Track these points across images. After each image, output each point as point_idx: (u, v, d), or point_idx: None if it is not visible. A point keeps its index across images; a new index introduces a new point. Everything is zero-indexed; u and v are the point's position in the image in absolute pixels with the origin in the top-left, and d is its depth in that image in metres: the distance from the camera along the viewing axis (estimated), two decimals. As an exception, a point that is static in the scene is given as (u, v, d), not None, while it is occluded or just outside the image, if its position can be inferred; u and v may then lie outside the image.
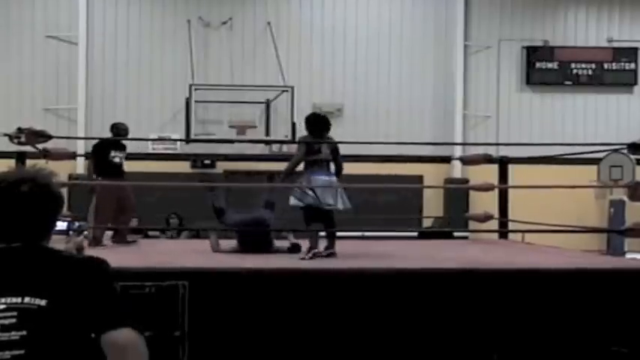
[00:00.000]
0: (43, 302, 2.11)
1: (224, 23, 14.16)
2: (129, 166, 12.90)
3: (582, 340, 5.37)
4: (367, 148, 12.17)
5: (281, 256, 6.70)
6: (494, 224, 9.67)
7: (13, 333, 2.08)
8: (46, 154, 8.06)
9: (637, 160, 12.95)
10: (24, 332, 2.08)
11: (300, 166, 7.03)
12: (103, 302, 2.19)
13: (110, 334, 2.13)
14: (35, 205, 2.26)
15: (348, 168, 12.12)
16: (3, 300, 2.11)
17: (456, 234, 11.29)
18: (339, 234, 7.03)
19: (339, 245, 6.82)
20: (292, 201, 6.75)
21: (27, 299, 2.11)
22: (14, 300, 2.11)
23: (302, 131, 13.42)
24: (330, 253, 6.60)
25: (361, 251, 7.19)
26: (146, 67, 14.09)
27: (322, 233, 6.85)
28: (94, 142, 8.76)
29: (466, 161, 10.22)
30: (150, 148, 13.73)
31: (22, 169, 2.35)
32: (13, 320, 2.09)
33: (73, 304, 2.14)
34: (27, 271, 2.19)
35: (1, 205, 2.24)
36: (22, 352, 2.06)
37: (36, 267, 2.21)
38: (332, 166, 6.99)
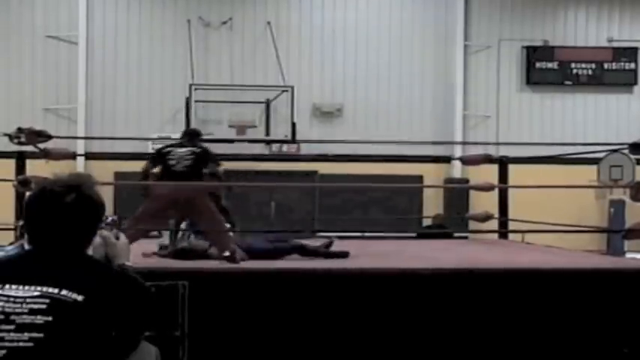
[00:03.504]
0: (79, 297, 2.17)
1: (224, 23, 14.16)
2: (128, 166, 13.01)
3: (582, 340, 5.37)
4: (367, 148, 12.19)
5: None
6: (494, 224, 9.68)
7: (38, 317, 2.13)
8: (46, 154, 8.07)
9: (637, 160, 12.95)
10: (49, 318, 2.13)
11: None
12: (135, 326, 2.33)
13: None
14: (78, 216, 2.35)
15: (349, 168, 12.17)
16: (39, 288, 2.18)
17: (456, 234, 11.30)
18: (340, 234, 7.03)
19: (339, 245, 6.82)
20: None
21: (64, 292, 2.18)
22: (50, 290, 2.18)
23: (302, 130, 13.57)
24: None
25: (361, 251, 7.18)
26: (146, 67, 14.09)
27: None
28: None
29: (466, 161, 10.23)
30: (150, 148, 13.71)
31: (67, 176, 2.43)
32: (43, 306, 2.15)
33: (108, 310, 2.21)
34: (67, 270, 2.27)
35: (46, 214, 2.33)
36: (40, 335, 2.11)
37: (76, 269, 2.29)
38: None
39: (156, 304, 2.44)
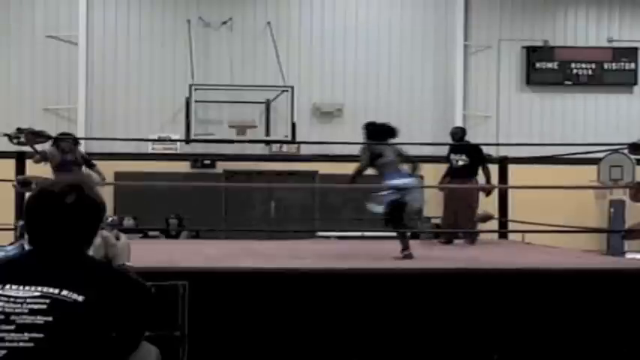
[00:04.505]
0: (80, 298, 2.17)
1: (224, 23, 14.16)
2: (129, 166, 13.03)
3: (582, 341, 5.37)
4: (367, 148, 12.14)
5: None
6: (494, 224, 9.68)
7: (38, 317, 2.12)
8: (43, 157, 8.08)
9: (637, 160, 12.96)
10: (50, 318, 2.12)
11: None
12: (135, 327, 2.32)
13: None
14: (78, 217, 2.34)
15: (349, 168, 12.12)
16: (39, 288, 2.17)
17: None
18: (339, 234, 7.04)
19: (339, 245, 6.82)
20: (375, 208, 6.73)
21: (65, 292, 2.17)
22: (51, 290, 2.17)
23: (302, 130, 13.57)
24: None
25: (361, 251, 7.19)
26: (146, 67, 14.09)
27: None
28: None
29: None
30: (150, 148, 13.74)
31: (67, 177, 2.44)
32: (43, 307, 2.14)
33: (109, 311, 2.20)
34: (68, 271, 2.26)
35: (46, 215, 2.32)
36: (41, 335, 2.11)
37: (77, 269, 2.28)
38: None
39: (156, 305, 2.43)
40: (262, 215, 13.78)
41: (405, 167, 7.00)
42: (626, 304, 5.42)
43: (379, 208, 6.70)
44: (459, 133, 9.64)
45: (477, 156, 9.09)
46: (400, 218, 6.69)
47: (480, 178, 9.26)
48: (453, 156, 9.22)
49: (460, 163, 9.06)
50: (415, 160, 7.10)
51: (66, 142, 8.66)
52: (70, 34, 13.80)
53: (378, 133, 7.07)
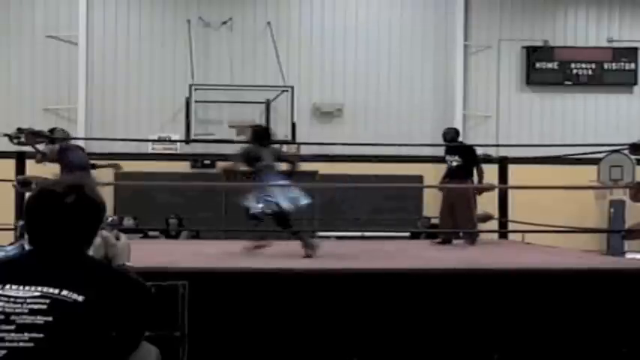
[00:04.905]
0: (80, 298, 2.17)
1: (224, 23, 14.16)
2: (129, 166, 13.02)
3: (582, 340, 5.37)
4: (367, 148, 12.17)
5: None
6: (494, 224, 9.69)
7: (38, 317, 2.12)
8: (44, 156, 8.08)
9: (637, 160, 12.96)
10: (50, 318, 2.12)
11: None
12: (135, 327, 2.32)
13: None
14: (78, 217, 2.34)
15: (349, 168, 12.11)
16: (39, 288, 2.17)
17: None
18: (340, 234, 7.08)
19: (339, 245, 6.82)
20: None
21: (65, 292, 2.17)
22: (51, 290, 2.17)
23: (302, 130, 13.57)
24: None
25: (361, 251, 7.19)
26: (146, 67, 14.09)
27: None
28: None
29: None
30: (150, 148, 13.74)
31: (68, 177, 2.44)
32: (44, 307, 2.14)
33: (109, 311, 2.20)
34: (68, 271, 2.26)
35: (47, 215, 2.32)
36: (41, 335, 2.11)
37: (77, 269, 2.28)
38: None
39: (156, 305, 2.43)
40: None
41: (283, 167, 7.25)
42: (626, 304, 5.42)
43: (258, 207, 7.00)
44: (450, 134, 9.48)
45: (469, 156, 9.00)
46: (287, 222, 7.00)
47: (477, 178, 9.26)
48: (447, 157, 9.17)
49: (454, 163, 8.99)
50: (293, 160, 7.33)
51: (58, 135, 8.63)
52: (70, 34, 13.80)
53: (260, 137, 7.29)
